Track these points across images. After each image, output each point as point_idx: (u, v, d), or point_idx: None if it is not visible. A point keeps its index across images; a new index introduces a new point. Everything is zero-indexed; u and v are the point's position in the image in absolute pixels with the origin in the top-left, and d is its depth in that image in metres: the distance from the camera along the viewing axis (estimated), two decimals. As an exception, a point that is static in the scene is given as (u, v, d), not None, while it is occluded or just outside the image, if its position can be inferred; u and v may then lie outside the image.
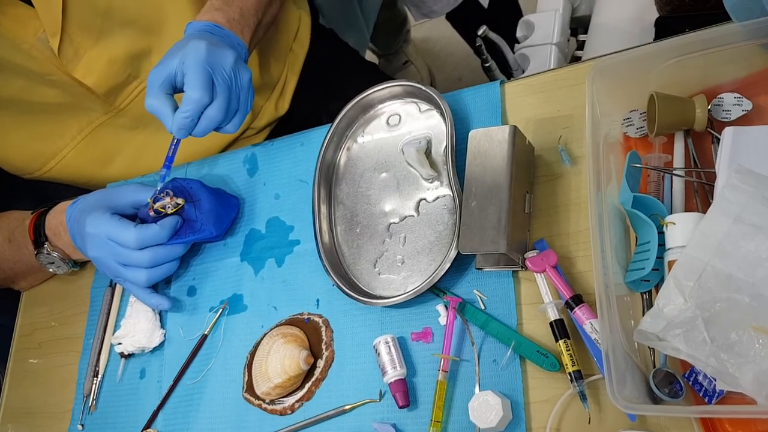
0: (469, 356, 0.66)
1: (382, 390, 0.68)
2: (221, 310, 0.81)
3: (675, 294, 0.53)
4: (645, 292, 0.60)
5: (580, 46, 1.23)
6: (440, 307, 0.69)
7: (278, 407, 0.73)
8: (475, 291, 0.68)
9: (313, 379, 0.72)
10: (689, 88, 0.63)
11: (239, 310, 0.80)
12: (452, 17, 1.60)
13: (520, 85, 0.75)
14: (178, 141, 0.75)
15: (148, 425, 0.79)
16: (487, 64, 1.20)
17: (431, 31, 2.03)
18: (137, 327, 0.82)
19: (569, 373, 0.59)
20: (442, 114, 0.75)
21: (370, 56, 1.89)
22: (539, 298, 0.63)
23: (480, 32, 1.15)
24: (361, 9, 1.33)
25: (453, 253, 0.66)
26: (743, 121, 0.61)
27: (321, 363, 0.72)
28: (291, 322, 0.76)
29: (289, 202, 0.83)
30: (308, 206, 0.80)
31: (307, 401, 0.72)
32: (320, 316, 0.75)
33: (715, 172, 0.58)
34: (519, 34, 1.22)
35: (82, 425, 0.84)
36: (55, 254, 0.87)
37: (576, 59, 1.22)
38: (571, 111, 0.71)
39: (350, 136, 0.82)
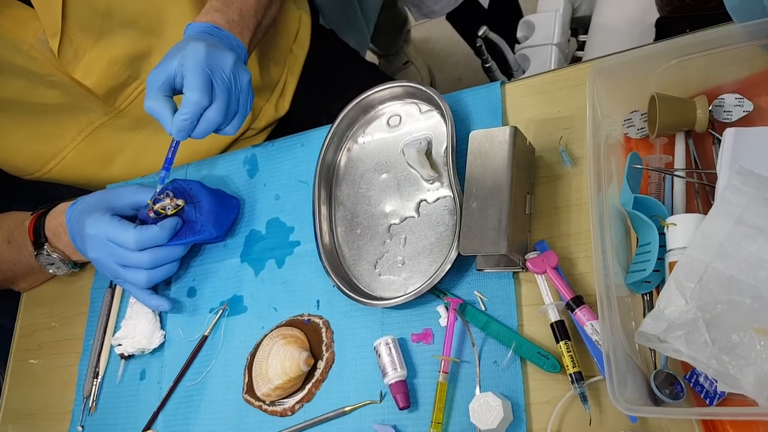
0: (469, 357, 0.66)
1: (383, 391, 0.68)
2: (221, 311, 0.81)
3: (676, 295, 0.52)
4: (646, 294, 0.59)
5: (581, 46, 1.23)
6: (441, 309, 0.69)
7: (278, 408, 0.72)
8: (475, 292, 0.68)
9: (313, 381, 0.72)
10: (690, 88, 0.63)
11: (239, 312, 0.80)
12: (452, 17, 1.60)
13: (520, 86, 0.75)
14: (178, 143, 0.75)
15: (148, 426, 0.79)
16: (487, 65, 1.20)
17: (431, 31, 2.03)
18: (137, 328, 0.82)
19: (570, 375, 0.59)
20: (442, 115, 0.75)
21: (370, 56, 1.89)
22: (540, 299, 0.63)
23: (480, 33, 1.14)
24: (362, 9, 1.33)
25: (453, 255, 0.66)
26: (744, 122, 0.60)
27: (321, 364, 0.72)
28: (291, 323, 0.76)
29: (289, 203, 0.83)
30: (308, 207, 0.80)
31: (307, 402, 0.72)
32: (320, 318, 0.75)
33: (716, 173, 0.58)
34: (519, 34, 1.22)
35: (82, 426, 0.83)
36: (54, 255, 0.86)
37: (576, 60, 1.21)
38: (571, 112, 0.71)
39: (350, 136, 0.82)
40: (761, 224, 0.52)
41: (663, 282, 0.58)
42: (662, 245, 0.58)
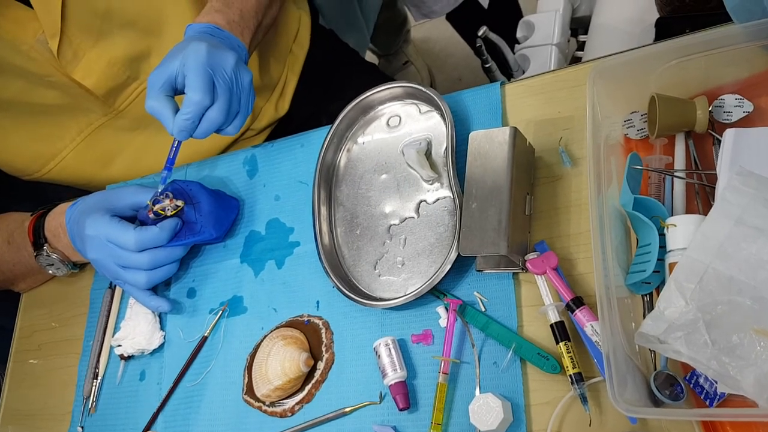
0: (469, 358, 0.66)
1: (383, 392, 0.68)
2: (221, 312, 0.81)
3: (676, 296, 0.52)
4: (646, 295, 0.59)
5: (581, 46, 1.23)
6: (440, 309, 0.69)
7: (278, 409, 0.72)
8: (475, 293, 0.68)
9: (313, 381, 0.72)
10: (690, 89, 0.63)
11: (239, 312, 0.80)
12: (452, 18, 1.60)
13: (520, 87, 0.75)
14: (179, 143, 0.75)
15: (148, 427, 0.79)
16: (487, 65, 1.20)
17: (431, 31, 2.03)
18: (137, 329, 0.82)
19: (570, 376, 0.59)
20: (442, 115, 0.75)
21: (370, 57, 1.89)
22: (540, 300, 0.63)
23: (480, 33, 1.14)
24: (361, 9, 1.33)
25: (453, 255, 0.66)
26: (744, 122, 0.60)
27: (321, 365, 0.72)
28: (291, 324, 0.76)
29: (289, 204, 0.83)
30: (308, 208, 0.79)
31: (307, 403, 0.72)
32: (320, 318, 0.75)
33: (716, 174, 0.58)
34: (519, 34, 1.22)
35: (82, 427, 0.83)
36: (54, 256, 0.86)
37: (576, 60, 1.21)
38: (571, 112, 0.71)
39: (350, 137, 0.81)
40: (761, 225, 0.52)
41: (663, 283, 0.58)
42: (662, 246, 0.58)
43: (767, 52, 0.58)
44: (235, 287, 0.82)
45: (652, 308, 0.55)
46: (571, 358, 0.59)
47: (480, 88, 0.77)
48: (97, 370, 0.85)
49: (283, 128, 1.08)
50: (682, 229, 0.56)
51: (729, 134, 0.58)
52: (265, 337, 0.76)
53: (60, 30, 0.79)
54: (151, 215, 0.78)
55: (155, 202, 0.78)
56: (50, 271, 0.89)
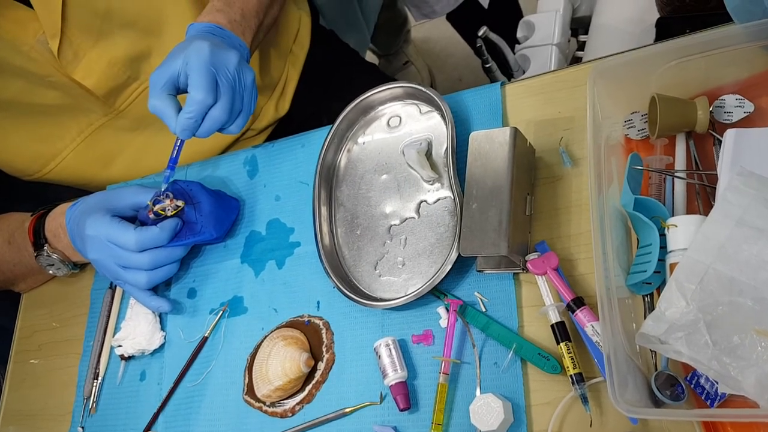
0: (470, 359, 0.66)
1: (383, 392, 0.68)
2: (221, 312, 0.81)
3: (677, 297, 0.52)
4: (647, 295, 0.59)
5: (581, 46, 1.23)
6: (441, 310, 0.69)
7: (279, 410, 0.72)
8: (476, 293, 0.68)
9: (313, 382, 0.72)
10: (691, 89, 0.63)
11: (239, 313, 0.80)
12: (452, 18, 1.60)
13: (520, 87, 0.75)
14: (182, 142, 0.75)
15: (148, 427, 0.79)
16: (487, 65, 1.20)
17: (431, 31, 2.03)
18: (137, 329, 0.82)
19: (570, 376, 0.59)
20: (442, 115, 0.75)
21: (370, 57, 1.89)
22: (540, 300, 0.63)
23: (480, 33, 1.14)
24: (362, 10, 1.33)
25: (454, 256, 0.66)
26: (745, 123, 0.60)
27: (321, 365, 0.72)
28: (291, 324, 0.76)
29: (289, 204, 0.83)
30: (309, 208, 0.79)
31: (307, 404, 0.72)
32: (321, 319, 0.75)
33: (716, 175, 0.58)
34: (519, 34, 1.22)
35: (83, 427, 0.83)
36: (54, 256, 0.86)
37: (577, 60, 1.21)
38: (572, 113, 0.70)
39: (351, 137, 0.81)
40: (762, 225, 0.52)
41: (664, 283, 0.58)
42: (663, 246, 0.58)
43: (768, 52, 0.58)
44: (235, 287, 0.82)
45: (653, 309, 0.55)
46: (572, 359, 0.59)
47: (480, 88, 0.77)
48: (97, 371, 0.85)
49: (283, 128, 1.08)
50: (682, 229, 0.56)
51: (730, 134, 0.58)
52: (266, 337, 0.76)
53: (60, 30, 0.79)
54: (152, 215, 0.78)
55: (156, 202, 0.78)
56: (50, 272, 0.89)
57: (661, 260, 0.57)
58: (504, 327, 0.65)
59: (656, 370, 0.56)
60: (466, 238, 0.63)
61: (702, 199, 0.61)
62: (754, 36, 0.56)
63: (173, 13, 0.87)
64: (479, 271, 0.67)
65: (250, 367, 0.75)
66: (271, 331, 0.76)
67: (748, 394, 0.49)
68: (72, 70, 0.83)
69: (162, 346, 0.83)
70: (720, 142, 0.59)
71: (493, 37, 1.15)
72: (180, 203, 0.79)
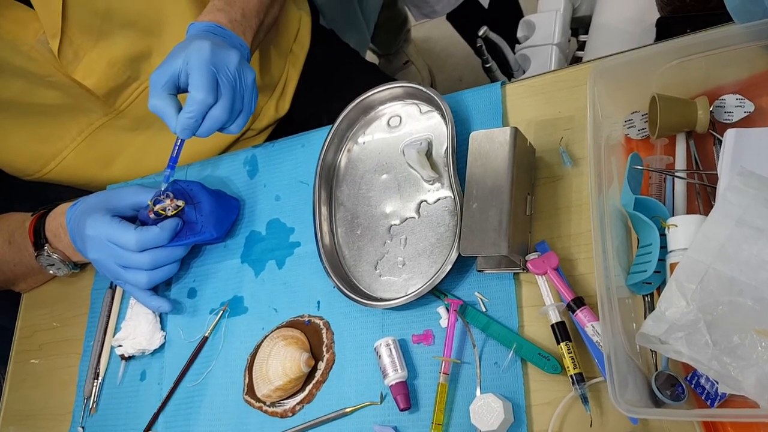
0: (470, 359, 0.66)
1: (383, 392, 0.68)
2: (222, 312, 0.81)
3: (677, 297, 0.52)
4: (647, 295, 0.59)
5: (581, 46, 1.23)
6: (441, 310, 0.69)
7: (279, 410, 0.72)
8: (476, 293, 0.68)
9: (313, 382, 0.72)
10: (691, 89, 0.63)
11: (240, 312, 0.80)
12: (453, 17, 1.60)
13: (520, 87, 0.75)
14: (182, 141, 0.75)
15: (148, 427, 0.79)
16: (487, 65, 1.20)
17: (432, 31, 2.03)
18: (138, 329, 0.82)
19: (571, 376, 0.59)
20: (442, 115, 0.75)
21: (370, 56, 1.89)
22: (540, 300, 0.63)
23: (480, 33, 1.14)
24: (362, 9, 1.33)
25: (454, 255, 0.66)
26: (745, 122, 0.60)
27: (322, 365, 0.72)
28: (292, 324, 0.76)
29: (289, 204, 0.83)
30: (309, 208, 0.79)
31: (307, 404, 0.72)
32: (321, 318, 0.75)
33: (717, 174, 0.58)
34: (520, 34, 1.22)
35: (83, 427, 0.83)
36: (55, 256, 0.86)
37: (577, 60, 1.21)
38: (572, 112, 0.70)
39: (351, 137, 0.81)
40: (762, 225, 0.52)
41: (664, 283, 0.58)
42: (663, 246, 0.58)
43: (768, 52, 0.58)
44: (235, 287, 0.82)
45: (653, 308, 0.55)
46: (572, 359, 0.59)
47: (480, 88, 0.77)
48: (97, 371, 0.85)
49: (283, 128, 1.08)
50: (683, 229, 0.56)
51: (730, 134, 0.57)
52: (266, 337, 0.76)
53: (60, 30, 0.79)
54: (152, 215, 0.78)
55: (156, 202, 0.78)
56: (51, 271, 0.89)
57: (662, 260, 0.57)
58: (504, 327, 0.65)
59: (656, 370, 0.56)
60: (467, 237, 0.63)
61: (702, 198, 0.61)
62: (754, 36, 0.56)
63: (173, 13, 0.87)
64: (479, 270, 0.67)
65: (250, 367, 0.76)
66: (272, 331, 0.76)
67: (749, 394, 0.49)
68: (72, 70, 0.83)
69: (162, 346, 0.83)
70: (720, 141, 0.59)
71: (494, 36, 1.15)
72: (180, 203, 0.79)
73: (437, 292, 0.69)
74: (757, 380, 0.48)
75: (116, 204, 0.81)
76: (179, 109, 0.72)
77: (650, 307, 0.59)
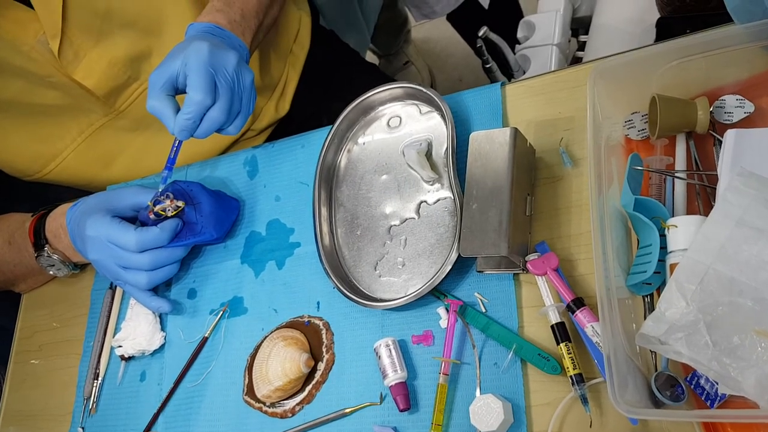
0: (470, 359, 0.66)
1: (383, 393, 0.68)
2: (221, 312, 0.81)
3: (677, 297, 0.52)
4: (647, 296, 0.59)
5: (581, 46, 1.23)
6: (441, 310, 0.69)
7: (279, 410, 0.72)
8: (476, 294, 0.68)
9: (313, 382, 0.72)
10: (691, 90, 0.63)
11: (239, 313, 0.80)
12: (453, 18, 1.60)
13: (520, 87, 0.75)
14: (180, 143, 0.75)
15: (148, 428, 0.79)
16: (487, 65, 1.20)
17: (432, 31, 2.03)
18: (137, 330, 0.82)
19: (570, 377, 0.59)
20: (442, 116, 0.75)
21: (370, 57, 1.89)
22: (540, 301, 0.63)
23: (481, 33, 1.14)
24: (362, 10, 1.33)
25: (454, 256, 0.66)
26: (745, 123, 0.60)
27: (321, 366, 0.72)
28: (291, 324, 0.76)
29: (289, 205, 0.83)
30: (309, 208, 0.79)
31: (307, 404, 0.72)
32: (321, 319, 0.75)
33: (717, 175, 0.58)
34: (520, 34, 1.22)
35: (83, 428, 0.83)
36: (55, 257, 0.86)
37: (577, 60, 1.21)
38: (572, 113, 0.70)
39: (351, 138, 0.81)
40: (762, 226, 0.52)
41: (664, 284, 0.58)
42: (663, 247, 0.57)
43: (768, 52, 0.58)
44: (235, 288, 0.82)
45: (653, 309, 0.54)
46: (572, 359, 0.59)
47: (480, 88, 0.77)
48: (97, 371, 0.85)
49: (283, 129, 1.08)
50: (682, 230, 0.56)
51: (730, 135, 0.57)
52: (266, 337, 0.76)
53: (61, 30, 0.79)
54: (152, 216, 0.78)
55: (156, 202, 0.78)
56: (51, 272, 0.89)
57: (661, 261, 0.57)
58: (504, 327, 0.65)
59: (656, 370, 0.56)
60: (466, 238, 0.63)
61: (702, 199, 0.61)
62: (754, 36, 0.56)
63: (173, 13, 0.87)
64: (479, 271, 0.67)
65: (250, 368, 0.75)
66: (271, 332, 0.76)
67: (748, 394, 0.49)
68: (72, 71, 0.83)
69: (162, 347, 0.83)
70: (720, 142, 0.59)
71: (494, 37, 1.15)
72: (180, 204, 0.79)
73: (437, 292, 0.69)
74: (757, 381, 0.48)
75: (116, 204, 0.81)
76: (177, 110, 0.72)
77: (650, 307, 0.59)
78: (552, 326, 0.61)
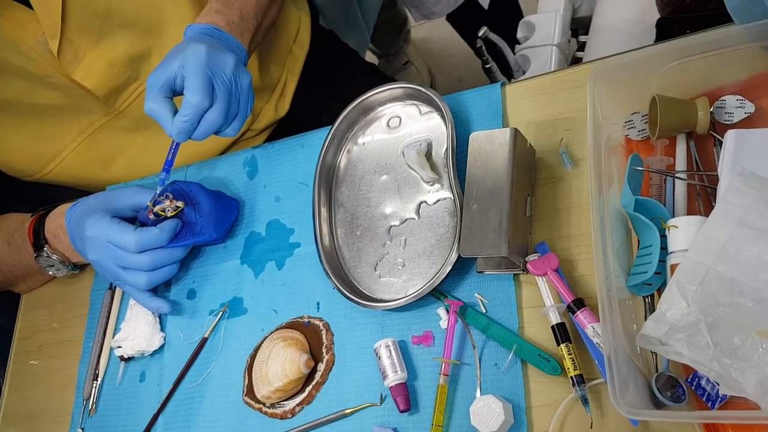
0: (470, 360, 0.65)
1: (383, 394, 0.68)
2: (221, 313, 0.81)
3: (677, 298, 0.52)
4: (647, 296, 0.59)
5: (581, 47, 1.23)
6: (441, 311, 0.68)
7: (278, 411, 0.72)
8: (476, 294, 0.68)
9: (313, 383, 0.72)
10: (691, 90, 0.63)
11: (239, 314, 0.80)
12: (452, 18, 1.60)
13: (520, 87, 0.75)
14: (178, 144, 0.75)
15: (148, 429, 0.79)
16: (487, 65, 1.20)
17: (431, 31, 2.03)
18: (137, 330, 0.82)
19: (571, 378, 0.59)
20: (442, 116, 0.75)
21: (370, 57, 1.89)
22: (541, 301, 0.63)
23: (480, 33, 1.14)
24: (361, 10, 1.33)
25: (454, 257, 0.66)
26: (746, 123, 0.60)
27: (321, 366, 0.72)
28: (291, 325, 0.76)
29: (289, 205, 0.83)
30: (308, 209, 0.79)
31: (307, 405, 0.72)
32: (321, 320, 0.75)
33: (717, 175, 0.58)
34: (520, 35, 1.22)
35: (82, 429, 0.83)
36: (54, 257, 0.86)
37: (577, 60, 1.21)
38: (572, 113, 0.70)
39: (350, 138, 0.81)
40: (763, 226, 0.51)
41: (664, 284, 0.58)
42: (663, 247, 0.57)
43: (768, 52, 0.58)
44: (235, 288, 0.82)
45: (654, 310, 0.54)
46: (573, 360, 0.59)
47: (480, 89, 0.77)
48: (97, 372, 0.85)
49: (283, 129, 1.08)
50: (683, 230, 0.56)
51: (730, 135, 0.57)
52: (266, 338, 0.76)
53: (60, 31, 0.79)
54: (152, 216, 0.78)
55: (155, 203, 0.78)
56: (50, 272, 0.89)
57: (662, 261, 0.57)
58: (504, 328, 0.64)
59: (657, 371, 0.56)
60: (466, 239, 0.63)
61: (702, 200, 0.60)
62: (754, 36, 0.56)
63: (173, 13, 0.87)
64: (479, 272, 0.67)
65: (249, 369, 0.75)
66: (271, 332, 0.76)
67: (749, 395, 0.49)
68: (72, 71, 0.83)
69: (162, 347, 0.82)
70: (720, 142, 0.59)
71: (493, 37, 1.15)
72: (180, 204, 0.79)
73: (437, 293, 0.69)
74: (758, 382, 0.48)
75: (116, 205, 0.81)
76: (175, 112, 0.72)
77: (651, 308, 0.59)
78: (552, 327, 0.61)
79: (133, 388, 0.82)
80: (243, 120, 0.77)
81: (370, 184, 0.78)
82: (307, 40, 1.09)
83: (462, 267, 0.69)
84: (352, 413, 0.69)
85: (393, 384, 0.66)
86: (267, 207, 0.85)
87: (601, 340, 0.58)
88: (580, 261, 0.64)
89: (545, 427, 0.60)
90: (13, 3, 0.77)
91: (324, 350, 0.73)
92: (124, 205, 0.81)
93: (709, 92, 0.62)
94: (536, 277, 0.63)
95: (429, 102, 0.77)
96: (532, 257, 0.64)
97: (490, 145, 0.65)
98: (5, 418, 0.92)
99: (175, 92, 0.74)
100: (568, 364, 0.59)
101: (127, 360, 0.84)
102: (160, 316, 0.84)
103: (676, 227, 0.57)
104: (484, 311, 0.67)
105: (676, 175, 0.62)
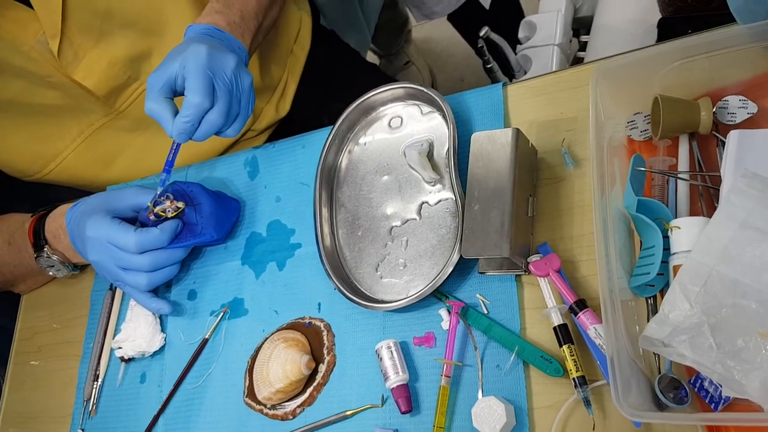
0: (472, 361, 0.65)
1: (385, 395, 0.68)
2: (222, 314, 0.81)
3: (680, 299, 0.52)
4: (650, 297, 0.59)
5: (583, 47, 1.23)
6: (443, 312, 0.68)
7: (279, 412, 0.72)
8: (477, 295, 0.67)
9: (314, 384, 0.72)
10: (694, 90, 0.62)
11: (240, 314, 0.80)
12: (454, 18, 1.60)
13: (522, 88, 0.75)
14: (179, 145, 0.74)
15: (148, 430, 0.78)
16: (489, 65, 1.20)
17: (432, 31, 2.02)
18: (138, 331, 0.82)
19: (573, 379, 0.58)
20: (444, 116, 0.75)
21: (371, 57, 1.88)
22: (543, 302, 0.63)
23: (482, 33, 1.14)
24: (362, 10, 1.33)
25: (455, 257, 0.66)
26: (749, 124, 0.60)
27: (323, 368, 0.72)
28: (292, 326, 0.76)
29: (290, 205, 0.83)
30: (309, 209, 0.79)
31: (308, 406, 0.71)
32: (322, 321, 0.74)
33: (720, 176, 0.57)
34: (521, 35, 1.22)
35: (83, 429, 0.83)
36: (54, 257, 0.86)
37: (578, 60, 1.21)
38: (574, 113, 0.70)
39: (351, 138, 0.81)
40: (766, 227, 0.51)
41: (667, 286, 0.58)
42: (666, 248, 0.57)
43: (772, 53, 0.58)
44: (236, 289, 0.81)
45: (657, 311, 0.54)
46: (575, 362, 0.59)
47: (482, 89, 0.76)
48: (97, 372, 0.85)
49: (284, 129, 1.08)
50: (686, 231, 0.56)
51: (733, 136, 0.57)
52: (267, 339, 0.75)
53: (60, 31, 0.79)
54: (152, 217, 0.78)
55: (156, 203, 0.78)
56: (51, 273, 0.89)
57: (665, 262, 0.57)
58: (506, 329, 0.64)
59: (660, 373, 0.56)
60: (468, 239, 0.63)
61: (705, 200, 0.60)
62: (757, 36, 0.56)
63: (174, 13, 0.87)
64: (481, 272, 0.67)
65: (250, 370, 0.75)
66: (272, 333, 0.76)
67: (753, 397, 0.48)
68: (72, 71, 0.83)
69: (162, 348, 0.82)
70: (723, 143, 0.59)
71: (495, 37, 1.15)
72: (180, 204, 0.79)
73: (439, 294, 0.68)
74: (762, 384, 0.48)
75: (116, 205, 0.81)
76: (176, 112, 0.72)
77: (653, 309, 0.58)
78: (554, 328, 0.61)
79: (134, 389, 0.82)
80: (244, 121, 0.76)
81: (372, 185, 0.78)
82: (308, 40, 1.09)
83: (464, 268, 0.69)
84: (353, 415, 0.69)
85: (394, 385, 0.66)
86: (268, 207, 0.84)
87: (604, 341, 0.57)
88: (582, 262, 0.64)
89: (547, 429, 0.60)
90: (14, 3, 0.77)
91: (325, 351, 0.72)
92: (125, 206, 0.81)
93: (711, 92, 0.62)
94: (538, 278, 0.63)
95: (430, 102, 0.76)
96: (534, 258, 0.64)
97: (491, 146, 0.65)
98: (5, 419, 0.92)
99: (175, 93, 0.74)
100: (570, 365, 0.59)
101: (128, 361, 0.84)
102: (160, 317, 0.84)
103: (679, 228, 0.56)
104: (485, 312, 0.66)
105: (679, 175, 0.61)
